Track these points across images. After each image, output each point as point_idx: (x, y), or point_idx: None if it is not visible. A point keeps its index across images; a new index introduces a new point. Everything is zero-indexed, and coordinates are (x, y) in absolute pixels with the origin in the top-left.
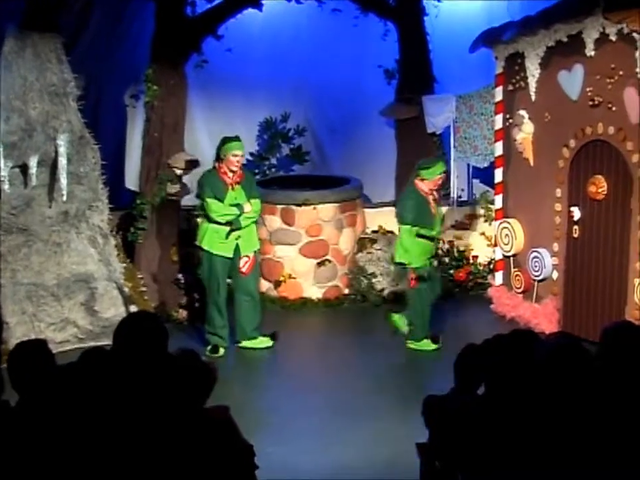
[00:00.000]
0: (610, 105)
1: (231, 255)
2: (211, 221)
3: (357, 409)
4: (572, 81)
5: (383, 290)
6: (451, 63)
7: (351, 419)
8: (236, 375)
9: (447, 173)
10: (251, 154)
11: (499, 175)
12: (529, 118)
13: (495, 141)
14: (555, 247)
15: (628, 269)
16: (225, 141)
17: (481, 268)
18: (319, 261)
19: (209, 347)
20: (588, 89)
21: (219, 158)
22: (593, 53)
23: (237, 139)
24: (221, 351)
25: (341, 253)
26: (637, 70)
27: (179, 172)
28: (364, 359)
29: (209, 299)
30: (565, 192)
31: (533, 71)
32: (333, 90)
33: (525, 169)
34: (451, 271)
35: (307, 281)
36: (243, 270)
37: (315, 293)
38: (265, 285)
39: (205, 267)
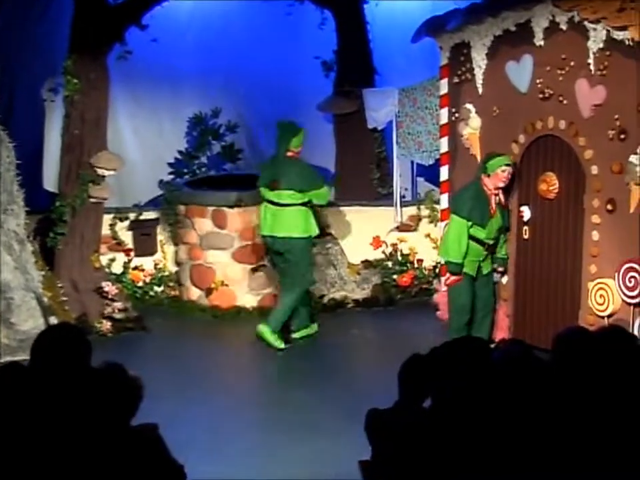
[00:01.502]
0: (561, 98)
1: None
2: (309, 205)
3: (296, 425)
4: (521, 72)
5: (321, 297)
6: (392, 54)
7: (290, 435)
8: (165, 390)
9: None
10: (180, 152)
11: (444, 173)
12: (476, 112)
13: (440, 137)
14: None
15: (581, 271)
16: (299, 127)
17: (426, 272)
18: (253, 266)
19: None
20: (537, 81)
21: (295, 146)
22: (542, 43)
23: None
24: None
25: None
26: (589, 61)
27: (102, 172)
28: (304, 370)
29: (304, 287)
30: (514, 190)
31: (480, 61)
32: (266, 83)
33: (472, 166)
34: (394, 276)
35: (241, 289)
36: None
37: (249, 301)
38: (195, 293)
39: (309, 255)
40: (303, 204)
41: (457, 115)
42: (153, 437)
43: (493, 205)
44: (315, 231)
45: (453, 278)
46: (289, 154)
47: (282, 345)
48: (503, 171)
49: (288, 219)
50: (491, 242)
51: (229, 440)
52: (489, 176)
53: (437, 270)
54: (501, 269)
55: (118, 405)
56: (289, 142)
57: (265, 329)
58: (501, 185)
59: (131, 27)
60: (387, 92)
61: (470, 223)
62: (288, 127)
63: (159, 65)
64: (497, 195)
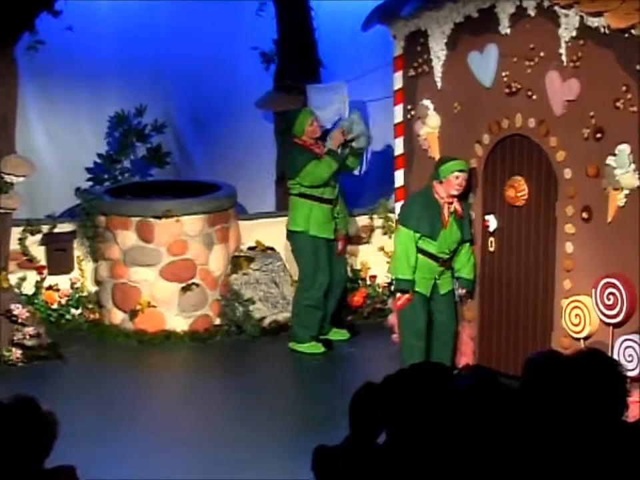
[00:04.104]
0: (529, 93)
1: (333, 237)
2: (313, 198)
3: (233, 464)
4: (484, 64)
5: (262, 319)
6: (340, 44)
7: (227, 475)
8: (84, 427)
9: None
10: (99, 155)
11: (399, 178)
12: (435, 109)
13: (395, 137)
14: None
15: (554, 288)
16: (299, 111)
17: (380, 290)
18: (184, 285)
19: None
20: (503, 74)
21: (296, 132)
22: (508, 31)
23: (302, 111)
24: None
25: (210, 275)
26: (561, 51)
27: (10, 179)
28: (241, 403)
29: (306, 292)
30: (478, 197)
31: (438, 52)
32: (197, 77)
33: (431, 170)
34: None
35: (170, 310)
36: (340, 252)
37: (179, 324)
38: (118, 316)
39: (308, 255)
40: (302, 195)
41: (412, 112)
42: None
43: (446, 215)
44: (316, 229)
45: (404, 298)
46: (295, 140)
47: (318, 350)
48: (457, 177)
49: (290, 210)
50: (445, 256)
51: None
52: (441, 182)
53: (392, 287)
54: (462, 292)
55: (29, 444)
56: (291, 129)
57: (291, 345)
58: (455, 192)
59: (42, 14)
60: (333, 87)
61: (418, 235)
62: (291, 114)
63: (75, 57)
64: (450, 203)
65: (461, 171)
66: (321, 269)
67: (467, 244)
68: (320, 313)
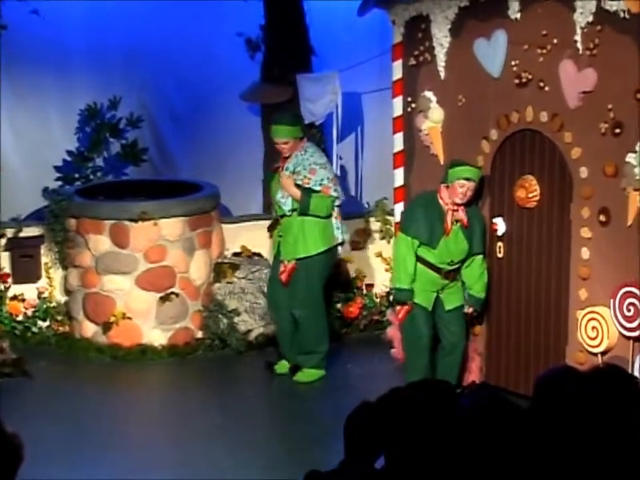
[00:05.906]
0: (542, 84)
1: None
2: None
3: None
4: (492, 52)
5: (248, 332)
6: (333, 30)
7: None
8: (52, 449)
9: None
10: (69, 153)
11: (399, 177)
12: (437, 101)
13: (394, 133)
14: None
15: (569, 298)
16: (277, 119)
17: (378, 300)
18: (162, 294)
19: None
20: (513, 63)
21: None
22: (518, 16)
23: (274, 122)
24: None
25: (191, 284)
26: (576, 37)
27: None
28: (224, 423)
29: None
30: (485, 198)
31: (441, 39)
32: (176, 67)
33: (433, 169)
34: (338, 305)
35: (147, 322)
36: (282, 277)
37: (157, 337)
38: (90, 329)
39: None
40: None
41: (413, 105)
42: None
43: (449, 223)
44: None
45: (404, 310)
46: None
47: (282, 369)
48: (462, 186)
49: None
50: (448, 268)
51: None
52: (447, 187)
53: (391, 297)
54: (470, 310)
55: None
56: None
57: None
58: (458, 200)
59: None
60: (325, 77)
61: (417, 242)
62: (276, 117)
63: (42, 44)
64: (455, 210)
65: (467, 179)
66: (270, 281)
67: (479, 257)
68: (281, 332)
